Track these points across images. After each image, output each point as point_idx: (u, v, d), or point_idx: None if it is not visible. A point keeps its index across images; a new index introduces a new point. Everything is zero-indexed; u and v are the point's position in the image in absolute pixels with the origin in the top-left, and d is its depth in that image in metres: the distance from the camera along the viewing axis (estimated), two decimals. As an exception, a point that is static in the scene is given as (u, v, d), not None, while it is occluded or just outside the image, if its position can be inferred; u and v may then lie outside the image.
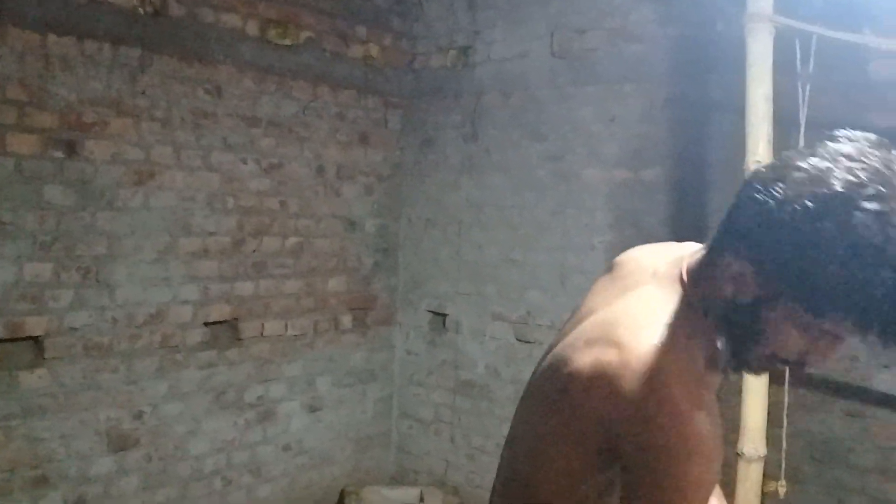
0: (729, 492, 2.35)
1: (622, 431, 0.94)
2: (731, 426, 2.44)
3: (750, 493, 2.41)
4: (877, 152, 0.87)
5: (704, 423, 0.92)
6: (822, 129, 1.01)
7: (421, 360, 3.92)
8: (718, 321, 0.99)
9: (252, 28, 3.28)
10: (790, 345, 0.94)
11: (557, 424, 1.03)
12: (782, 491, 2.52)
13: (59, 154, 2.73)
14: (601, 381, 0.96)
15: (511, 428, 1.18)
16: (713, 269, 0.98)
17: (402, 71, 3.92)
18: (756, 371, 1.02)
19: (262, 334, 3.38)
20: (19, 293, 2.66)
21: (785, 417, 2.54)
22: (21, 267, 2.66)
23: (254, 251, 3.33)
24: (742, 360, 1.00)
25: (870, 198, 0.83)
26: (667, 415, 0.92)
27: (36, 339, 2.72)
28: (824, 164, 0.87)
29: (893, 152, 0.88)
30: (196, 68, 3.10)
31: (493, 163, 3.66)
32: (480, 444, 3.68)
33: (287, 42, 3.41)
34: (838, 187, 0.85)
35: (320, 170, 3.58)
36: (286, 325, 3.48)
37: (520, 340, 3.55)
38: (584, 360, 1.00)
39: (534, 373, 1.17)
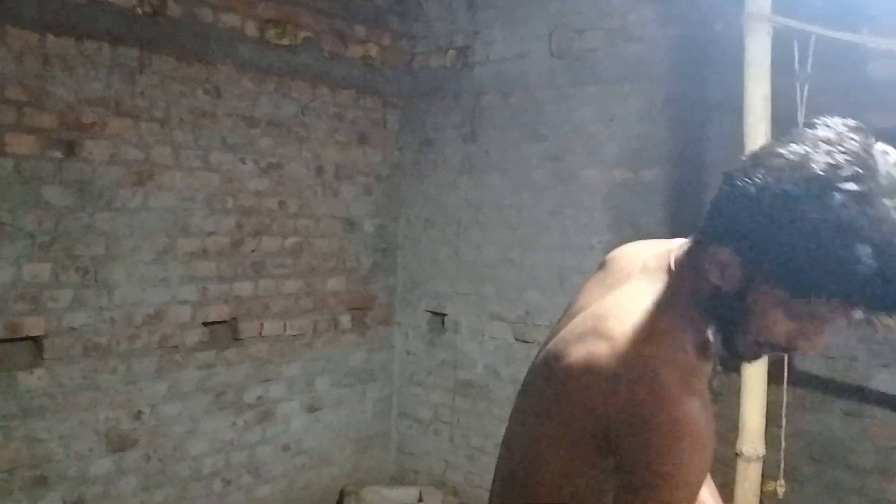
0: (728, 491, 2.36)
1: (615, 421, 0.95)
2: (730, 426, 2.44)
3: (749, 493, 2.41)
4: (855, 136, 0.89)
5: (696, 409, 0.93)
6: (820, 130, 1.01)
7: (420, 360, 3.92)
8: (707, 310, 1.00)
9: (251, 28, 3.28)
10: (778, 330, 0.96)
11: (552, 419, 1.03)
12: (781, 491, 2.52)
13: (57, 154, 2.73)
14: (593, 373, 0.97)
15: (507, 426, 1.18)
16: (700, 259, 1.00)
17: (400, 71, 3.92)
18: (746, 359, 1.03)
19: (260, 334, 3.38)
20: (18, 293, 2.66)
21: (784, 417, 2.54)
22: (20, 267, 2.65)
23: (253, 251, 3.33)
24: (732, 348, 1.01)
25: (848, 179, 0.85)
26: (658, 400, 0.92)
27: (35, 340, 2.71)
28: (803, 150, 0.89)
29: (871, 137, 0.90)
30: (195, 68, 3.10)
31: (492, 163, 3.66)
32: (480, 444, 3.68)
33: (286, 42, 3.41)
34: (817, 171, 0.87)
35: (319, 170, 3.58)
36: (285, 326, 3.48)
37: (518, 340, 3.55)
38: (576, 353, 1.01)
39: (528, 371, 1.18)
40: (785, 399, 2.54)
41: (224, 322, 3.25)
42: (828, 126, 0.92)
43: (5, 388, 2.64)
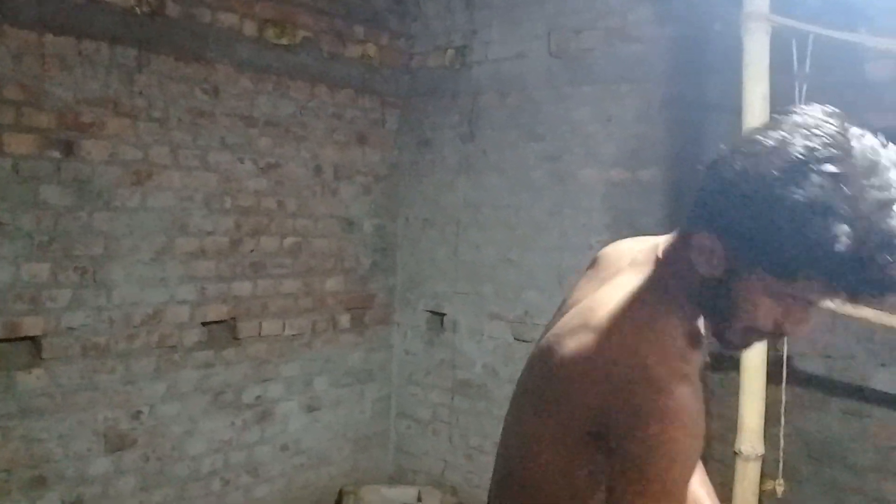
0: (726, 491, 2.36)
1: (607, 411, 0.95)
2: (729, 425, 2.44)
3: (748, 493, 2.41)
4: (832, 120, 0.91)
5: (687, 395, 0.94)
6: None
7: (419, 360, 3.92)
8: (695, 299, 1.02)
9: (249, 28, 3.28)
10: (765, 315, 0.97)
11: (546, 414, 1.04)
12: (780, 490, 2.52)
13: (56, 154, 2.73)
14: (585, 366, 0.99)
15: (504, 423, 1.18)
16: (685, 248, 1.01)
17: (399, 71, 3.92)
18: (736, 347, 1.04)
19: (259, 334, 3.38)
20: (16, 293, 2.65)
21: (783, 416, 2.55)
22: (18, 267, 2.65)
23: (251, 251, 3.33)
24: (720, 336, 1.02)
25: (826, 160, 0.87)
26: (649, 388, 0.93)
27: (33, 340, 2.71)
28: (781, 135, 0.91)
29: (847, 121, 0.91)
30: (193, 68, 3.10)
31: (490, 163, 3.66)
32: (478, 444, 3.68)
33: (284, 42, 3.41)
34: (795, 154, 0.88)
35: (318, 170, 3.58)
36: (284, 325, 3.48)
37: (518, 340, 3.55)
38: (567, 347, 1.02)
39: (523, 368, 1.19)
40: (784, 398, 2.55)
41: (223, 322, 3.25)
42: (805, 112, 0.94)
43: (4, 388, 2.63)
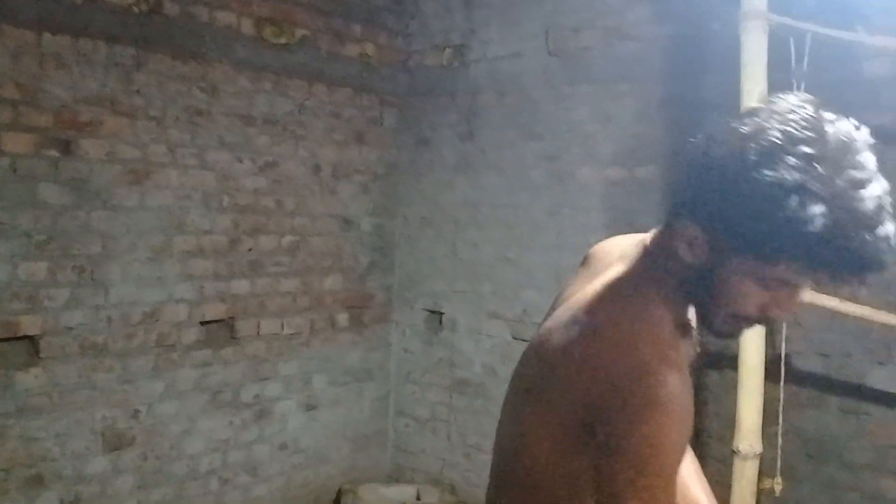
0: (724, 489, 2.36)
1: (597, 400, 0.96)
2: (727, 424, 2.45)
3: (745, 491, 2.41)
4: (806, 106, 0.94)
5: (674, 381, 0.95)
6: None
7: (417, 359, 3.92)
8: (682, 288, 1.03)
9: (247, 26, 3.28)
10: (750, 300, 0.98)
11: (539, 408, 1.05)
12: (778, 488, 2.53)
13: (53, 153, 2.73)
14: (574, 359, 1.00)
15: (499, 421, 1.19)
16: (670, 238, 1.03)
17: (397, 69, 3.92)
18: (725, 334, 1.05)
19: (257, 333, 3.38)
20: (14, 292, 2.65)
21: (780, 415, 2.55)
22: (16, 266, 2.65)
23: (249, 250, 3.33)
24: (709, 324, 1.04)
25: (800, 142, 0.89)
26: (636, 375, 0.94)
27: (31, 339, 2.71)
28: (757, 122, 0.93)
29: (822, 108, 0.94)
30: (191, 67, 3.09)
31: (488, 162, 3.66)
32: (477, 443, 3.68)
33: (282, 40, 3.40)
34: (771, 138, 0.90)
35: (316, 168, 3.58)
36: (282, 324, 3.48)
37: (516, 339, 3.55)
38: (558, 342, 1.04)
39: (517, 364, 1.20)
40: (781, 396, 2.55)
41: (221, 321, 3.25)
42: (780, 99, 0.96)
43: (1, 388, 2.63)
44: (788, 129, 0.90)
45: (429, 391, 3.87)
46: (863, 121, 0.94)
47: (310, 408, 3.61)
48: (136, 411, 2.98)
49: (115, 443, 2.92)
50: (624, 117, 3.24)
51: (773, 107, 0.95)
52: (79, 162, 2.78)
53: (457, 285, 3.77)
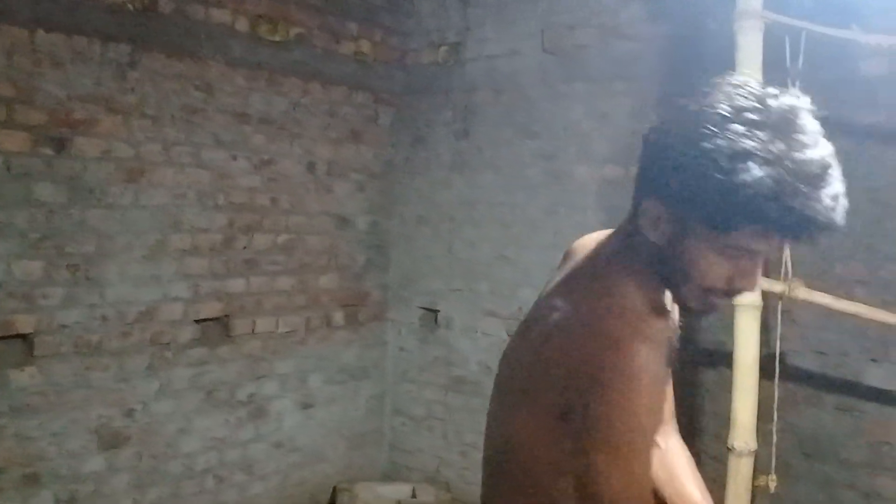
0: (719, 486, 2.37)
1: (573, 379, 0.98)
2: (722, 421, 2.45)
3: (740, 488, 2.42)
4: (753, 83, 0.98)
5: (645, 353, 0.97)
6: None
7: (413, 357, 3.92)
8: (652, 266, 1.06)
9: (242, 24, 3.27)
10: (715, 272, 1.00)
11: (522, 390, 1.08)
12: (773, 485, 2.53)
13: (48, 151, 2.72)
14: (551, 342, 1.03)
15: (487, 418, 1.20)
16: (637, 219, 1.06)
17: (393, 67, 3.92)
18: (698, 310, 1.07)
19: (253, 331, 3.37)
20: (9, 291, 2.64)
21: (775, 412, 2.55)
22: (10, 265, 2.64)
23: (245, 248, 3.32)
24: (681, 301, 1.07)
25: (745, 111, 0.93)
26: (607, 349, 0.97)
27: (26, 338, 2.70)
28: (705, 99, 0.97)
29: (768, 85, 0.99)
30: (186, 65, 3.08)
31: (484, 160, 3.66)
32: (472, 441, 3.68)
33: (277, 38, 3.40)
34: (718, 111, 0.94)
35: (311, 166, 3.57)
36: (278, 323, 3.47)
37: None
38: (538, 330, 1.08)
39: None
40: (777, 394, 2.56)
41: (216, 319, 3.24)
42: (727, 78, 1.01)
43: (-4, 387, 2.63)
44: (734, 101, 0.94)
45: (425, 389, 3.87)
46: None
47: (306, 406, 3.61)
48: (132, 410, 2.97)
49: (111, 441, 2.92)
50: (620, 115, 3.24)
51: (719, 84, 0.99)
52: (73, 160, 2.77)
53: (453, 284, 3.77)
